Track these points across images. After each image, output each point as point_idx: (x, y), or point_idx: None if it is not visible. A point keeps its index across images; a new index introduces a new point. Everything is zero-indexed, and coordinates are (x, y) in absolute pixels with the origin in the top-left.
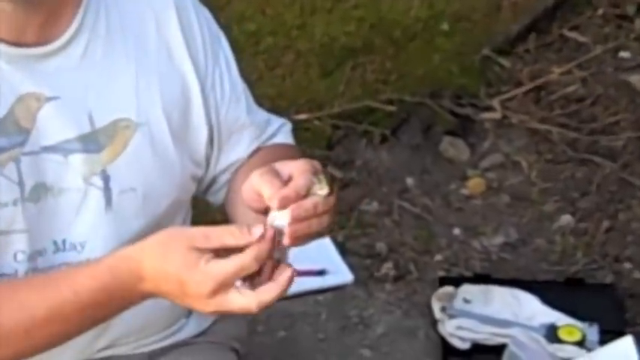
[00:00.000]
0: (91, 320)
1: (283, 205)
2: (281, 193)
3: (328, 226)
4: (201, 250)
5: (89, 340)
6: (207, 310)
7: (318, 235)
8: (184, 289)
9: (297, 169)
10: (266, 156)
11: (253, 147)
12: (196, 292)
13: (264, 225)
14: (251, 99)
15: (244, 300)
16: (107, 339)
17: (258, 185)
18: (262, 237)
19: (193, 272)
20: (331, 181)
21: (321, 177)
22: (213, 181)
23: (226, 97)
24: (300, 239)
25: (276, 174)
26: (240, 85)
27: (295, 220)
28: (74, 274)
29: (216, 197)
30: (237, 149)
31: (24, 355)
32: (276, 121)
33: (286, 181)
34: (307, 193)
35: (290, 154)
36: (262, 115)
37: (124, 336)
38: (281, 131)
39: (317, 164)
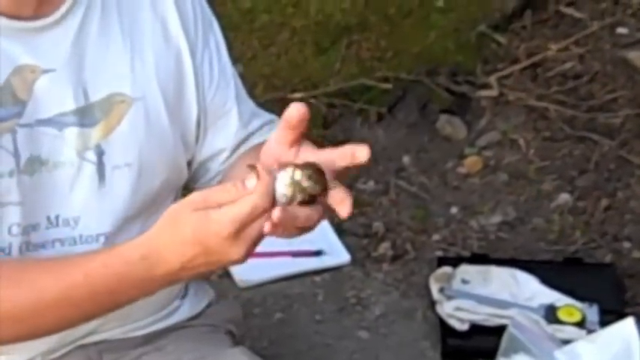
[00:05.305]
0: (104, 306)
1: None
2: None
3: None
4: (205, 208)
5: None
6: (240, 253)
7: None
8: (207, 245)
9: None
10: None
11: (240, 136)
12: (219, 242)
13: (257, 171)
14: (242, 87)
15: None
16: (88, 326)
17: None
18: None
19: (208, 225)
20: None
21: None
22: (204, 170)
23: (214, 82)
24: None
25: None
26: (230, 72)
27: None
28: (86, 261)
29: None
30: (224, 135)
31: (29, 336)
32: (266, 115)
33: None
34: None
35: None
36: (251, 105)
37: (105, 322)
38: (275, 127)
39: None
